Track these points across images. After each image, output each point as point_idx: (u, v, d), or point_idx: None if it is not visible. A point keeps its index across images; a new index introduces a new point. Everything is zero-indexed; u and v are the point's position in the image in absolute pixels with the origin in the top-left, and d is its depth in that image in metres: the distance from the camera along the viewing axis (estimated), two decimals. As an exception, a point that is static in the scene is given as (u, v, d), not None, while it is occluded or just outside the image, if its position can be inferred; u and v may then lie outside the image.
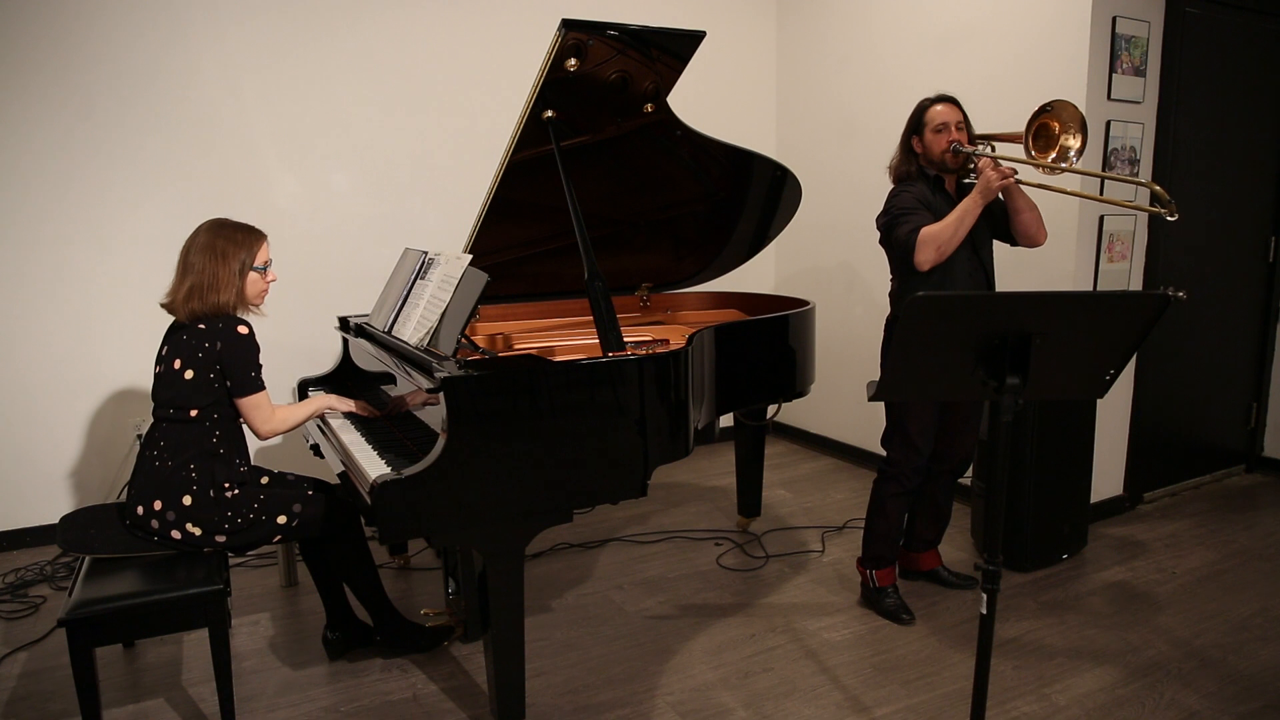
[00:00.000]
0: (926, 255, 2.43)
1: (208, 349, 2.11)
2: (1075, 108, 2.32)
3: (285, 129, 3.60)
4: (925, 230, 2.43)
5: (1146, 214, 3.50)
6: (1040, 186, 2.44)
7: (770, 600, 2.88)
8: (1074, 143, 2.33)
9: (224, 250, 2.15)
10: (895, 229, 2.51)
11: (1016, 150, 2.43)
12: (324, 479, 2.45)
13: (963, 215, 2.40)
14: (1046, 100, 2.35)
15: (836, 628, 2.68)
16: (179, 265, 2.18)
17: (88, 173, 3.31)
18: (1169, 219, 2.15)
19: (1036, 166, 2.35)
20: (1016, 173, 2.39)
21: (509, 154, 2.51)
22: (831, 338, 4.34)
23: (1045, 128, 2.33)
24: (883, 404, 2.79)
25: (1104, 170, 3.30)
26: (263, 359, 2.20)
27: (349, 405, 2.50)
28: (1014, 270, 2.97)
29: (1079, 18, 3.16)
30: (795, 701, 2.28)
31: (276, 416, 2.21)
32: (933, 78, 3.62)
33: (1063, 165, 2.34)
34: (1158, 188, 2.17)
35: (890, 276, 2.69)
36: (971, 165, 2.51)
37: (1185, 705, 2.24)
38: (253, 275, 2.21)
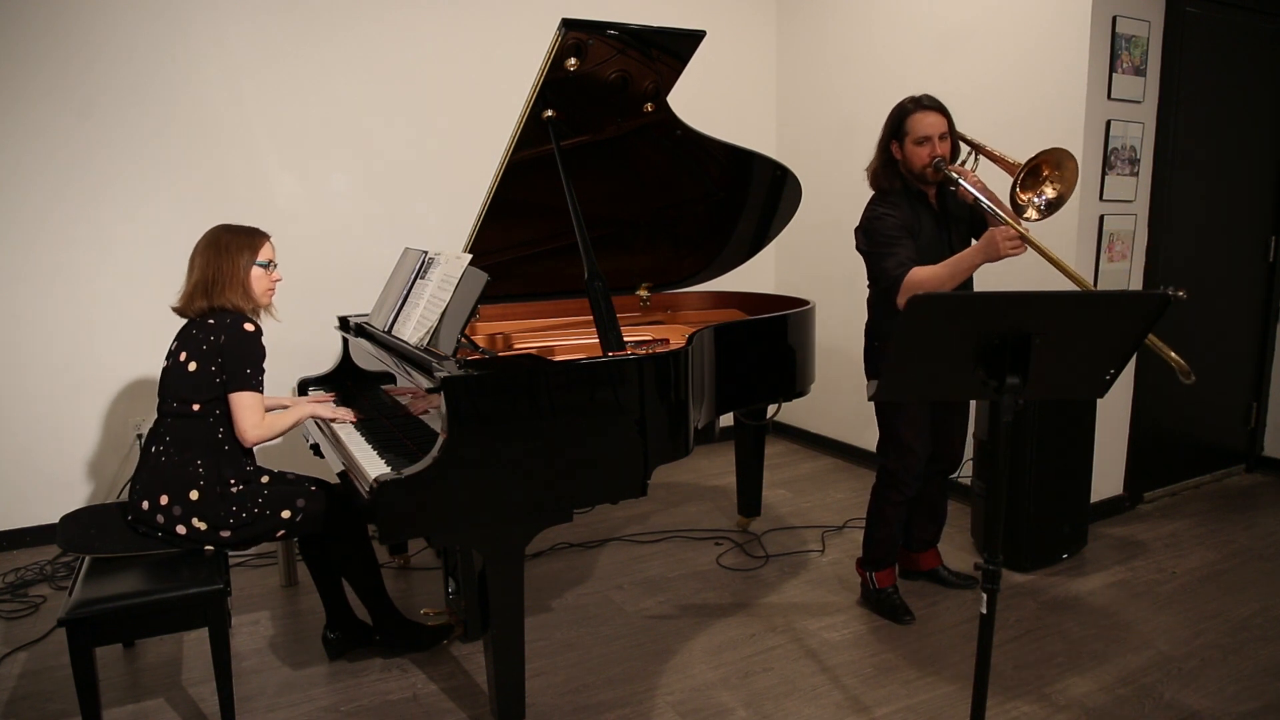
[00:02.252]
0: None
1: (213, 341, 2.13)
2: (1075, 167, 2.21)
3: (286, 129, 3.60)
4: (916, 275, 2.36)
5: (1145, 221, 3.50)
6: (1039, 252, 2.29)
7: (770, 600, 2.88)
8: (1050, 192, 2.24)
9: (227, 245, 2.21)
10: (881, 261, 2.44)
11: (999, 171, 2.37)
12: (324, 479, 2.45)
13: (956, 271, 2.33)
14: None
15: (836, 628, 2.68)
16: (189, 267, 2.23)
17: (88, 173, 3.30)
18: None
19: (1017, 209, 2.25)
20: (1025, 247, 2.25)
21: (509, 154, 2.51)
22: (831, 338, 4.33)
23: (1037, 167, 2.24)
24: (876, 413, 2.77)
25: (1104, 169, 3.30)
26: (265, 361, 2.20)
27: (333, 414, 2.49)
28: (1013, 269, 2.96)
29: (1079, 18, 3.16)
30: (795, 701, 2.28)
31: (265, 422, 2.20)
32: (933, 78, 3.62)
33: (1036, 202, 2.24)
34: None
35: (868, 284, 2.67)
36: (953, 184, 2.42)
37: (1185, 705, 2.24)
38: (257, 270, 2.24)
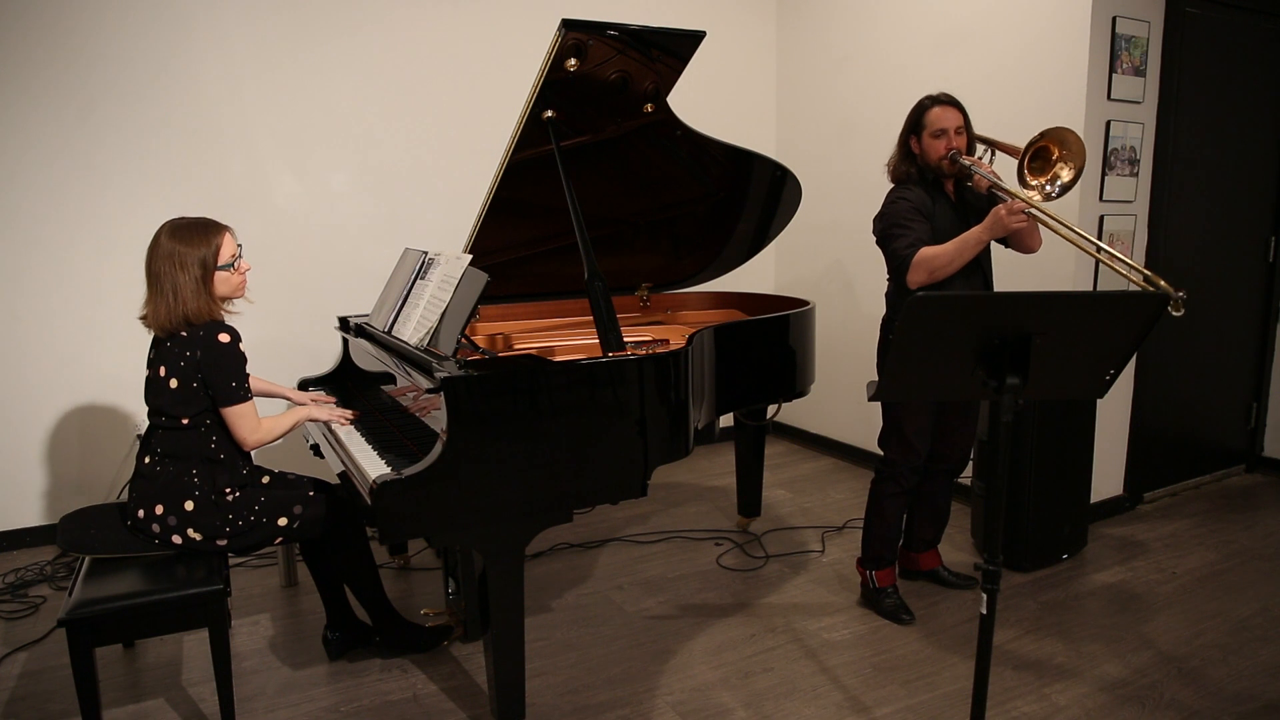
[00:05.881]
0: (918, 277, 2.41)
1: (189, 357, 2.05)
2: (1080, 141, 2.24)
3: (286, 129, 3.60)
4: (923, 252, 2.40)
5: (1145, 222, 3.51)
6: (1044, 225, 2.33)
7: (770, 600, 2.88)
8: (1065, 175, 2.27)
9: (182, 257, 2.04)
10: (892, 242, 2.48)
11: (1012, 163, 2.39)
12: (324, 479, 2.45)
13: (963, 247, 2.36)
14: (1050, 120, 2.27)
15: (836, 628, 2.68)
16: (146, 276, 2.08)
17: (89, 173, 3.30)
18: (1175, 313, 2.04)
19: (1027, 189, 2.28)
20: (1028, 218, 2.28)
21: (509, 154, 2.51)
22: (831, 338, 4.33)
23: (1044, 150, 2.27)
24: (880, 404, 2.79)
25: (1104, 169, 3.30)
26: (263, 359, 2.18)
27: (328, 415, 2.47)
28: (1013, 269, 2.97)
29: (1079, 18, 3.16)
30: (795, 701, 2.28)
31: (263, 427, 2.17)
32: (933, 77, 3.62)
33: (1048, 190, 2.27)
34: (1148, 272, 2.14)
35: (887, 277, 2.69)
36: (969, 175, 2.48)
37: (1185, 705, 2.24)
38: (220, 275, 2.10)
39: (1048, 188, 2.29)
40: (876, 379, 1.76)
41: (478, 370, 1.97)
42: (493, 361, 2.16)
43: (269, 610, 2.84)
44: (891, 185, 2.62)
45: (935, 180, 2.56)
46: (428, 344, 2.26)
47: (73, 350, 3.36)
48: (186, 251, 2.05)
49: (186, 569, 2.05)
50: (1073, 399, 3.05)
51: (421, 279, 2.50)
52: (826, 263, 4.51)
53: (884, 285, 2.70)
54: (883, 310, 2.72)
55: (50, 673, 2.45)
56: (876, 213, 2.59)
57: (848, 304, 4.38)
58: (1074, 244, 2.37)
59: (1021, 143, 2.47)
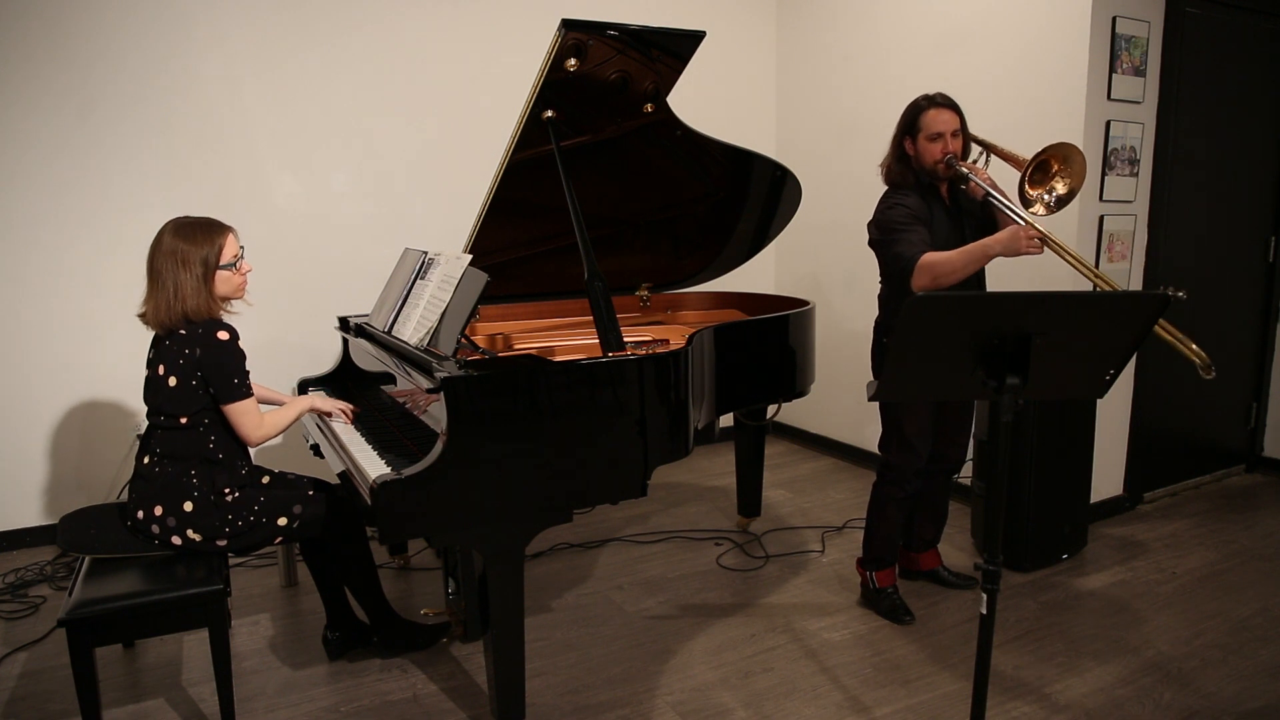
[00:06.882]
0: (922, 282, 2.37)
1: (188, 355, 2.05)
2: (1083, 161, 2.22)
3: (285, 129, 3.60)
4: (928, 257, 2.35)
5: (1145, 222, 3.50)
6: (1054, 252, 2.32)
7: (770, 600, 2.88)
8: (1061, 188, 2.26)
9: (185, 255, 2.05)
10: (892, 247, 2.44)
11: (1010, 170, 2.38)
12: (324, 479, 2.45)
13: (971, 259, 2.31)
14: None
15: (836, 628, 2.68)
16: (147, 273, 2.09)
17: (88, 173, 3.30)
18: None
19: (1026, 204, 2.27)
20: (1043, 244, 2.25)
21: (509, 154, 2.51)
22: (831, 338, 4.34)
23: (1045, 163, 2.25)
24: (879, 406, 2.78)
25: (1104, 169, 3.30)
26: (263, 359, 2.18)
27: (332, 406, 2.47)
28: (1012, 269, 2.97)
29: (1079, 18, 3.16)
30: (795, 701, 2.28)
31: (267, 422, 2.17)
32: (933, 78, 3.62)
33: (1046, 199, 2.27)
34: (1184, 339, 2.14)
35: (880, 280, 2.68)
36: (964, 180, 2.46)
37: (1185, 705, 2.24)
38: (222, 274, 2.11)
39: (1045, 197, 2.28)
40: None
41: (478, 370, 1.97)
42: (493, 361, 2.16)
43: (269, 610, 2.84)
44: (886, 187, 2.61)
45: (930, 184, 2.54)
46: (428, 344, 2.26)
47: (73, 350, 3.36)
48: (190, 250, 2.07)
49: (186, 569, 2.05)
50: (1073, 399, 3.05)
51: (421, 279, 2.50)
52: (826, 263, 4.51)
53: (884, 286, 2.70)
54: (881, 311, 2.72)
55: (50, 673, 2.45)
56: (871, 218, 2.57)
57: (848, 304, 4.38)
58: (1079, 271, 2.34)
59: (1019, 147, 2.46)
